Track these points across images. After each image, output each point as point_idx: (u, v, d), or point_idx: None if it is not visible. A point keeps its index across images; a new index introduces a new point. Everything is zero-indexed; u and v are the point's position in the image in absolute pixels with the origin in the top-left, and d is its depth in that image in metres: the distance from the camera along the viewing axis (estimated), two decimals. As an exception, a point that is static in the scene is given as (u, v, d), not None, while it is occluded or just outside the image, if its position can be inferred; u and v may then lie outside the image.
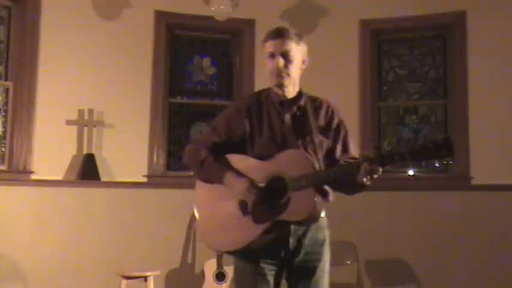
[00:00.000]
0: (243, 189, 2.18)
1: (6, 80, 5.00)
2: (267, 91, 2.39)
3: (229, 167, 2.25)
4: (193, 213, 5.06)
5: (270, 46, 2.30)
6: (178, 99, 5.58)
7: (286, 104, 2.32)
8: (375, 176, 2.10)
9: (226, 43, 5.74)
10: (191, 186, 5.60)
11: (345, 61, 5.44)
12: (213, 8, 5.10)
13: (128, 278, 4.48)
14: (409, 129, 5.56)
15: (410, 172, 5.29)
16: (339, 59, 5.44)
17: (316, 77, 5.33)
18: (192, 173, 2.42)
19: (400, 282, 5.06)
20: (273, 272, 2.25)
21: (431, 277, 4.98)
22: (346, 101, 5.36)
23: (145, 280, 4.52)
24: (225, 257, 4.77)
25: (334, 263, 5.06)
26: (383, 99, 5.61)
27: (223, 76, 5.72)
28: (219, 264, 4.74)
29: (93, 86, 5.11)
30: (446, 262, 4.96)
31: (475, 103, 5.15)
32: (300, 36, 2.33)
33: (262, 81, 5.38)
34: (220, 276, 4.75)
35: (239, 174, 2.22)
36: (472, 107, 5.16)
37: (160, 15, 5.36)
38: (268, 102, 2.34)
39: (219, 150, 2.30)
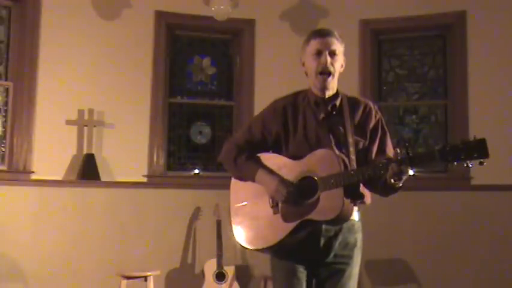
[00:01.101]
0: (274, 188, 2.21)
1: (6, 80, 5.00)
2: (304, 92, 2.38)
3: (261, 165, 2.29)
4: (193, 213, 5.07)
5: (316, 44, 2.30)
6: (178, 99, 5.57)
7: (322, 103, 2.31)
8: (404, 177, 2.07)
9: (226, 43, 5.74)
10: (191, 186, 5.60)
11: (345, 61, 5.43)
12: (213, 8, 5.10)
13: (128, 278, 4.48)
14: (409, 129, 5.56)
15: (411, 172, 5.27)
16: (339, 59, 5.42)
17: (316, 77, 5.36)
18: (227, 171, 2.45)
19: (400, 282, 5.07)
20: (305, 271, 2.26)
21: (431, 277, 4.98)
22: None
23: (146, 280, 4.53)
24: (225, 257, 4.78)
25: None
26: (383, 99, 5.61)
27: (223, 76, 5.72)
28: (219, 264, 4.74)
29: (93, 86, 5.11)
30: (446, 262, 4.96)
31: (475, 103, 5.15)
32: (341, 39, 2.37)
33: (262, 81, 5.42)
34: (220, 276, 4.75)
35: (270, 172, 2.25)
36: (472, 107, 5.16)
37: (160, 15, 5.36)
38: (304, 103, 2.34)
39: (254, 149, 2.34)
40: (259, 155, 2.33)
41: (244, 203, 2.35)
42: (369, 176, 2.12)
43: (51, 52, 5.01)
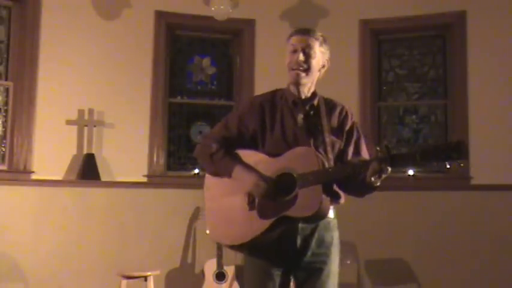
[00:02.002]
0: (251, 184, 2.19)
1: (6, 80, 5.00)
2: (282, 90, 2.40)
3: (238, 161, 2.27)
4: (193, 213, 5.07)
5: (293, 41, 2.32)
6: (178, 99, 5.58)
7: (300, 103, 2.33)
8: (384, 175, 2.10)
9: (226, 43, 5.74)
10: (191, 186, 5.60)
11: (345, 61, 5.44)
12: (213, 8, 5.10)
13: (128, 278, 4.48)
14: (409, 129, 5.56)
15: (410, 172, 5.28)
16: (339, 59, 5.41)
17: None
18: (201, 168, 2.45)
19: (400, 282, 5.07)
20: (280, 272, 2.25)
21: (431, 277, 4.98)
22: (346, 101, 5.33)
23: (146, 280, 4.52)
24: (225, 257, 4.78)
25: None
26: (383, 99, 5.61)
27: (223, 76, 5.72)
28: (219, 264, 4.74)
29: (93, 86, 5.11)
30: (446, 262, 4.96)
31: (475, 103, 5.15)
32: (325, 40, 2.35)
33: (262, 81, 5.42)
34: (220, 276, 4.75)
35: (248, 168, 2.24)
36: (472, 107, 5.16)
37: (160, 15, 5.36)
38: (282, 101, 2.35)
39: (230, 145, 2.33)
40: (236, 151, 2.31)
41: (218, 200, 2.32)
42: (348, 174, 2.15)
43: (51, 52, 5.01)
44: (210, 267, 4.77)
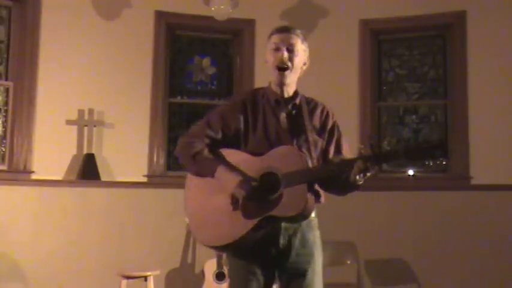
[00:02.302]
0: (235, 184, 2.16)
1: (6, 80, 5.00)
2: (263, 89, 2.39)
3: (221, 160, 2.25)
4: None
5: (275, 39, 2.31)
6: (178, 99, 5.58)
7: (282, 102, 2.33)
8: (368, 174, 2.11)
9: (226, 43, 5.74)
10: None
11: (345, 61, 5.45)
12: (213, 8, 5.10)
13: (128, 278, 4.48)
14: (409, 129, 5.56)
15: (410, 172, 5.28)
16: (339, 59, 5.44)
17: (316, 77, 5.35)
18: (183, 166, 2.40)
19: (400, 282, 5.07)
20: (264, 272, 2.23)
21: (431, 277, 4.98)
22: (346, 101, 5.37)
23: (146, 280, 4.52)
24: (225, 256, 4.78)
25: (334, 263, 5.08)
26: (383, 99, 5.61)
27: (223, 76, 5.72)
28: (219, 264, 4.74)
29: (93, 86, 5.11)
30: (446, 262, 4.96)
31: (475, 103, 5.15)
32: (305, 38, 2.35)
33: (262, 81, 5.38)
34: (220, 276, 4.75)
35: (231, 168, 2.21)
36: (472, 107, 5.16)
37: (160, 15, 5.36)
38: (264, 100, 2.34)
39: (212, 145, 2.30)
40: (218, 150, 2.29)
41: (201, 200, 2.29)
42: (333, 173, 2.15)
43: (51, 52, 5.01)
44: (210, 267, 4.77)
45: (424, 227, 5.05)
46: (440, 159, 2.08)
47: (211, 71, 5.68)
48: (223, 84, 5.71)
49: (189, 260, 5.06)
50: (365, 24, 5.46)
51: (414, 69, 5.60)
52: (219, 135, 2.31)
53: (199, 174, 2.30)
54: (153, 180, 5.20)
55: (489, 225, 4.94)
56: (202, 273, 4.82)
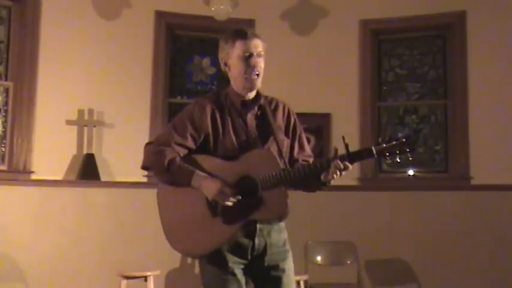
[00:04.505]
0: (215, 191, 2.12)
1: (6, 80, 5.00)
2: (224, 92, 2.36)
3: (196, 168, 2.20)
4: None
5: (243, 46, 2.28)
6: (178, 99, 5.58)
7: (248, 104, 2.31)
8: (344, 172, 2.14)
9: (226, 43, 5.73)
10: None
11: (345, 61, 5.44)
12: (213, 8, 5.10)
13: (128, 278, 4.47)
14: (409, 129, 5.56)
15: (410, 172, 5.29)
16: (339, 59, 5.44)
17: (316, 77, 5.37)
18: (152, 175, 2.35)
19: (400, 282, 5.06)
20: (242, 272, 2.23)
21: (431, 277, 4.98)
22: (346, 101, 5.37)
23: (146, 280, 4.52)
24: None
25: (334, 263, 5.07)
26: (383, 99, 5.61)
27: (223, 76, 5.68)
28: (219, 264, 4.73)
29: (93, 86, 5.11)
30: (446, 262, 4.96)
31: (475, 103, 5.16)
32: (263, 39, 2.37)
33: (262, 81, 5.41)
34: (220, 276, 4.74)
35: (207, 175, 2.17)
36: (472, 107, 5.16)
37: (160, 15, 5.36)
38: (228, 103, 2.32)
39: (182, 151, 2.25)
40: (191, 156, 2.24)
41: (175, 210, 2.25)
42: (309, 173, 2.16)
43: (51, 52, 5.01)
44: (210, 267, 4.76)
45: (424, 227, 5.05)
46: (408, 154, 2.14)
47: (211, 71, 5.68)
48: (223, 84, 5.69)
49: (189, 260, 5.06)
50: (365, 24, 5.46)
51: (414, 69, 5.60)
52: (188, 142, 2.25)
53: (174, 183, 2.23)
54: (153, 180, 5.17)
55: (489, 225, 4.94)
56: (202, 273, 4.82)
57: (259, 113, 2.32)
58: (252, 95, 2.33)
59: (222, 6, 5.07)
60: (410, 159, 2.17)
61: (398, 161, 2.17)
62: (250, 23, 5.46)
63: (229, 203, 2.12)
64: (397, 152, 2.13)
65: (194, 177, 2.17)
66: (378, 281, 5.09)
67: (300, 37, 5.35)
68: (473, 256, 4.94)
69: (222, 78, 5.71)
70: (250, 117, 2.29)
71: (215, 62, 5.69)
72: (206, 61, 5.67)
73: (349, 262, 4.93)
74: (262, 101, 2.33)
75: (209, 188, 2.14)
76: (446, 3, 5.27)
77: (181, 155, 2.24)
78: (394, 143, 2.13)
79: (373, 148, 2.13)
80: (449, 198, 5.06)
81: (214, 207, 2.16)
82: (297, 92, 5.01)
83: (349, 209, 4.89)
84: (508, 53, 5.12)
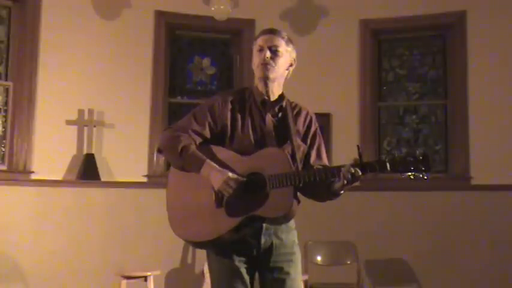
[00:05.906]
0: (221, 181, 2.15)
1: (6, 80, 5.00)
2: (250, 89, 2.39)
3: (208, 157, 2.23)
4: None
5: (260, 41, 2.32)
6: (178, 99, 5.58)
7: (268, 104, 2.33)
8: (354, 183, 2.13)
9: (226, 43, 5.74)
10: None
11: (345, 61, 5.45)
12: (213, 8, 5.10)
13: (128, 278, 4.48)
14: (409, 129, 5.56)
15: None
16: (339, 59, 5.44)
17: (316, 77, 5.37)
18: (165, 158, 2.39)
19: (400, 282, 5.07)
20: (248, 271, 2.23)
21: (431, 277, 4.98)
22: (346, 101, 5.37)
23: (146, 280, 4.53)
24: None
25: (334, 263, 5.07)
26: (383, 99, 5.61)
27: (223, 76, 5.72)
28: (219, 264, 4.73)
29: (93, 86, 5.11)
30: (446, 262, 4.96)
31: (475, 103, 5.16)
32: (290, 40, 2.37)
33: (262, 81, 5.41)
34: (220, 276, 4.74)
35: (218, 165, 2.20)
36: (472, 107, 5.16)
37: (160, 15, 5.36)
38: (250, 100, 2.34)
39: (198, 140, 2.29)
40: (207, 146, 2.28)
41: (182, 196, 2.30)
42: (320, 178, 2.16)
43: (51, 52, 5.00)
44: (210, 267, 4.76)
45: (424, 227, 5.05)
46: (423, 173, 2.15)
47: (211, 71, 5.68)
48: (223, 84, 5.71)
49: (189, 260, 5.06)
50: (365, 24, 5.46)
51: (414, 69, 5.60)
52: (205, 131, 2.30)
53: (184, 169, 2.27)
54: (153, 180, 5.20)
55: (489, 225, 4.94)
56: (202, 273, 4.82)
57: (279, 114, 2.34)
58: (274, 95, 2.34)
59: (222, 6, 5.08)
60: (426, 178, 2.16)
61: (412, 177, 2.15)
62: (250, 23, 5.46)
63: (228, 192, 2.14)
64: (412, 168, 2.14)
65: (204, 165, 2.20)
66: (377, 281, 5.09)
67: (300, 37, 5.34)
68: (473, 256, 4.94)
69: (222, 78, 5.72)
70: (269, 117, 2.31)
71: (215, 62, 5.70)
72: (206, 61, 5.67)
73: (349, 262, 4.93)
74: (284, 104, 2.35)
75: (216, 178, 2.17)
76: (446, 3, 5.27)
77: (197, 143, 2.28)
78: (410, 159, 2.13)
79: (387, 161, 2.12)
80: (449, 198, 5.06)
81: (220, 197, 2.18)
82: (297, 92, 5.00)
83: (349, 209, 4.89)
84: (508, 53, 5.12)
